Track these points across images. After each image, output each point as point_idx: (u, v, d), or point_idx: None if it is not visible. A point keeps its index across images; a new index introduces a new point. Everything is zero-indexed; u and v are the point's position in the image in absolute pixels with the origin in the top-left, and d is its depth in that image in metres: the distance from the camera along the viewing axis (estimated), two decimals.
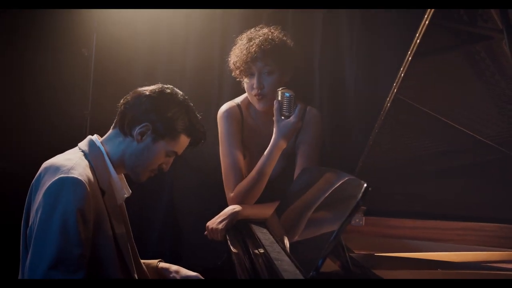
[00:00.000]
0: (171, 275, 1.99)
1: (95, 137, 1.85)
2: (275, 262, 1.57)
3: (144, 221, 2.99)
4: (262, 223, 2.16)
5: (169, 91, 1.86)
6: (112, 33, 2.87)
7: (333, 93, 2.86)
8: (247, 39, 2.35)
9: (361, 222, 2.31)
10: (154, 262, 2.04)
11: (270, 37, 2.34)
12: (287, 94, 2.25)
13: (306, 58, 2.82)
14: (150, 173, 1.88)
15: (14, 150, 2.72)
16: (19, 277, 1.72)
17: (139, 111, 1.80)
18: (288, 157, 2.44)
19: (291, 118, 2.25)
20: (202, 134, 1.91)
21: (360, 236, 2.29)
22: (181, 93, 1.89)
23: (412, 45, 1.96)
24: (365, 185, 1.44)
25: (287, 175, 2.43)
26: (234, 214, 2.24)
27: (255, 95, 2.34)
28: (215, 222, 2.24)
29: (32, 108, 2.81)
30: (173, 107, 1.83)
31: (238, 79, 2.44)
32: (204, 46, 2.93)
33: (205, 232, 2.28)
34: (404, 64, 1.99)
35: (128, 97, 1.85)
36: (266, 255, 1.69)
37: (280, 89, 2.27)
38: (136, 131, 1.80)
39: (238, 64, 2.33)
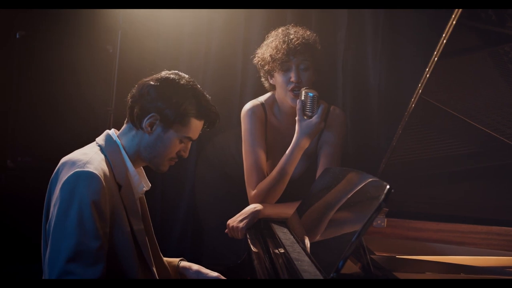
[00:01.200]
0: (191, 275, 1.97)
1: (112, 132, 1.84)
2: (295, 262, 1.56)
3: (166, 220, 3.00)
4: (283, 222, 2.15)
5: (172, 76, 1.83)
6: (137, 30, 2.90)
7: (356, 94, 2.84)
8: (283, 34, 2.34)
9: (382, 224, 2.29)
10: (175, 260, 2.03)
11: (306, 35, 2.34)
12: (311, 94, 2.23)
13: (330, 58, 2.80)
14: (169, 162, 1.86)
15: (38, 146, 2.76)
16: (44, 273, 1.72)
17: (145, 102, 1.78)
18: (311, 157, 2.43)
19: (314, 118, 2.23)
20: (215, 114, 1.87)
21: (382, 237, 2.27)
22: (186, 76, 1.85)
23: (439, 45, 1.93)
24: (387, 186, 1.42)
25: (309, 175, 2.41)
26: (255, 213, 2.24)
27: (291, 89, 2.32)
28: (236, 221, 2.24)
29: (56, 104, 2.84)
30: (178, 92, 1.79)
31: (267, 72, 2.40)
32: (227, 44, 2.93)
33: (226, 230, 2.28)
34: (429, 65, 1.96)
35: (133, 89, 1.84)
36: (286, 255, 1.68)
37: (304, 88, 2.26)
38: (145, 122, 1.78)
39: (277, 57, 2.30)
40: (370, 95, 2.81)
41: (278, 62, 2.31)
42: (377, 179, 1.54)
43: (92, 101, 2.84)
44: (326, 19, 2.84)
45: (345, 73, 2.83)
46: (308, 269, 1.49)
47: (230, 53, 2.94)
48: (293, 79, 2.30)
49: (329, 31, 2.83)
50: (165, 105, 1.77)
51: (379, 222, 2.29)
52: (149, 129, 1.79)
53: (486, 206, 2.29)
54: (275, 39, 2.35)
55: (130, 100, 1.82)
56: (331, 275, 1.38)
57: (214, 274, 1.95)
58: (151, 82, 1.81)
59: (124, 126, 1.86)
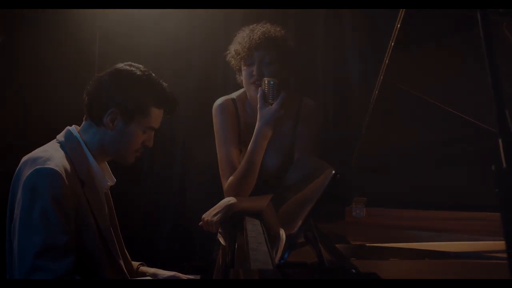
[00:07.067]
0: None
1: (72, 128, 1.85)
2: (251, 252, 1.56)
3: (155, 218, 3.04)
4: (258, 215, 2.15)
5: (126, 67, 1.83)
6: (116, 31, 2.92)
7: (337, 87, 2.84)
8: (249, 30, 2.37)
9: (362, 213, 2.28)
10: (135, 264, 2.04)
11: (272, 29, 2.36)
12: (272, 82, 2.26)
13: (309, 53, 2.81)
14: (135, 153, 1.88)
15: (15, 149, 2.78)
16: (7, 274, 1.74)
17: (102, 98, 1.79)
18: (288, 150, 2.43)
19: (273, 105, 2.26)
20: (173, 100, 1.88)
21: (362, 227, 2.27)
22: (140, 66, 1.86)
23: (393, 31, 1.91)
24: (333, 172, 1.42)
25: (287, 169, 2.41)
26: (229, 207, 2.25)
27: (252, 82, 2.33)
28: (210, 214, 2.25)
29: (33, 106, 2.87)
30: (134, 84, 1.80)
31: (236, 67, 2.43)
32: (208, 44, 2.99)
33: (200, 223, 2.29)
34: (387, 51, 1.95)
35: (89, 86, 1.84)
36: (247, 245, 1.69)
37: (265, 78, 2.28)
38: (106, 119, 1.79)
39: (240, 51, 2.34)
40: (351, 88, 2.82)
41: (242, 56, 2.33)
42: (329, 166, 1.53)
43: (72, 104, 2.85)
44: (304, 16, 2.85)
45: (325, 68, 2.84)
46: (260, 258, 1.49)
47: (212, 49, 2.97)
48: (254, 72, 2.31)
49: (307, 28, 2.84)
50: (123, 98, 1.78)
51: (358, 211, 2.29)
52: (111, 125, 1.79)
53: (466, 192, 2.26)
54: (241, 34, 2.38)
55: (86, 98, 1.83)
56: (278, 262, 1.39)
57: (171, 273, 1.96)
58: (106, 77, 1.81)
59: (84, 122, 1.87)
